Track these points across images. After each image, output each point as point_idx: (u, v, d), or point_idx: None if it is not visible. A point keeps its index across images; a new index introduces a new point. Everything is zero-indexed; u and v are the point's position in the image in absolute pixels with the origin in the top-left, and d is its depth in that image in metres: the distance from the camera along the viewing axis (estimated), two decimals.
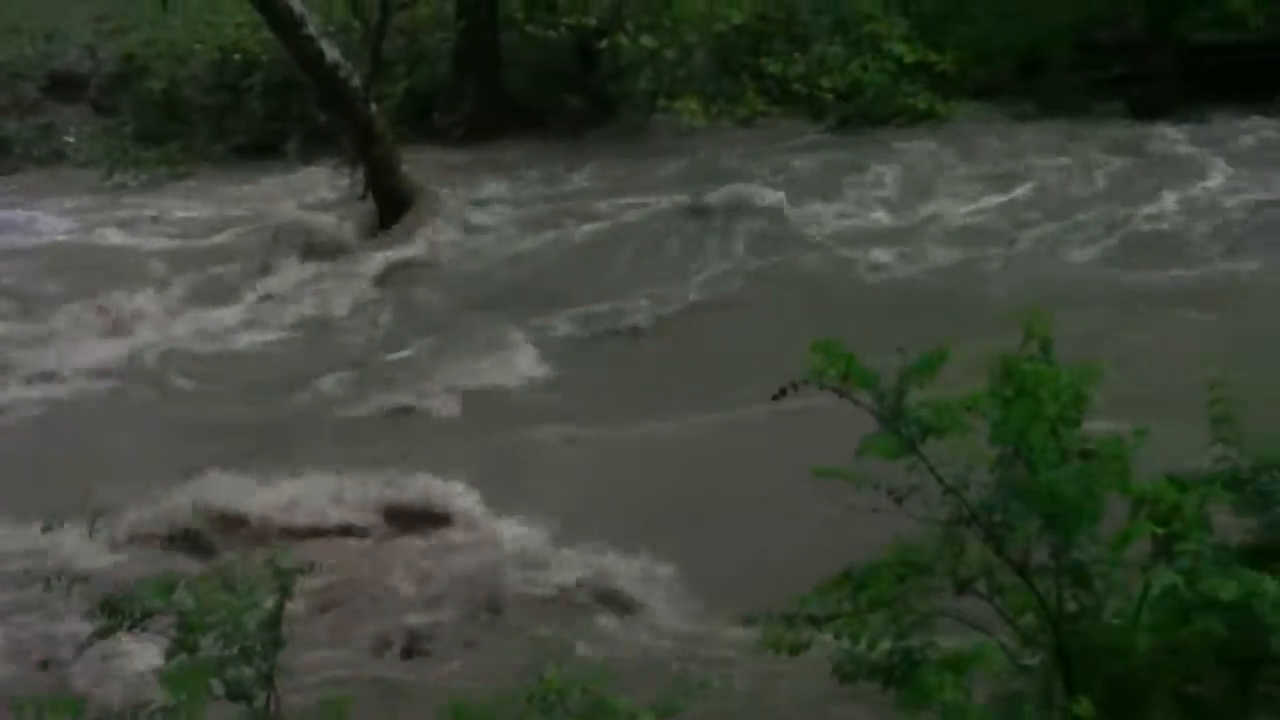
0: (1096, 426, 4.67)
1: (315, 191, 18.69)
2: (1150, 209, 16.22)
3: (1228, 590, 4.20)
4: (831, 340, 4.38)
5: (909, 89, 20.59)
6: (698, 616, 8.32)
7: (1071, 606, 4.71)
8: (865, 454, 4.42)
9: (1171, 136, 19.22)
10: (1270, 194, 16.22)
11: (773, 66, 20.28)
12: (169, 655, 4.77)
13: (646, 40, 20.19)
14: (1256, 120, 19.09)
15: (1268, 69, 18.95)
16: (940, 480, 4.48)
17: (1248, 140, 18.59)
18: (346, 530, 9.50)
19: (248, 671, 4.79)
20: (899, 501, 4.40)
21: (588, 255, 15.45)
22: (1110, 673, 4.66)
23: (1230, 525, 5.02)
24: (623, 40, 20.38)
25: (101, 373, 12.89)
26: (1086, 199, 16.87)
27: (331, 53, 16.08)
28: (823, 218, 16.49)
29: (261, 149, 21.13)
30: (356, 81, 16.25)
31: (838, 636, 4.69)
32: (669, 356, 12.81)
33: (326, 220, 17.02)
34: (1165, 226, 15.75)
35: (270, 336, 13.98)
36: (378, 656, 8.11)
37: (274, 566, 5.08)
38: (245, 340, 13.88)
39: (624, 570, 8.75)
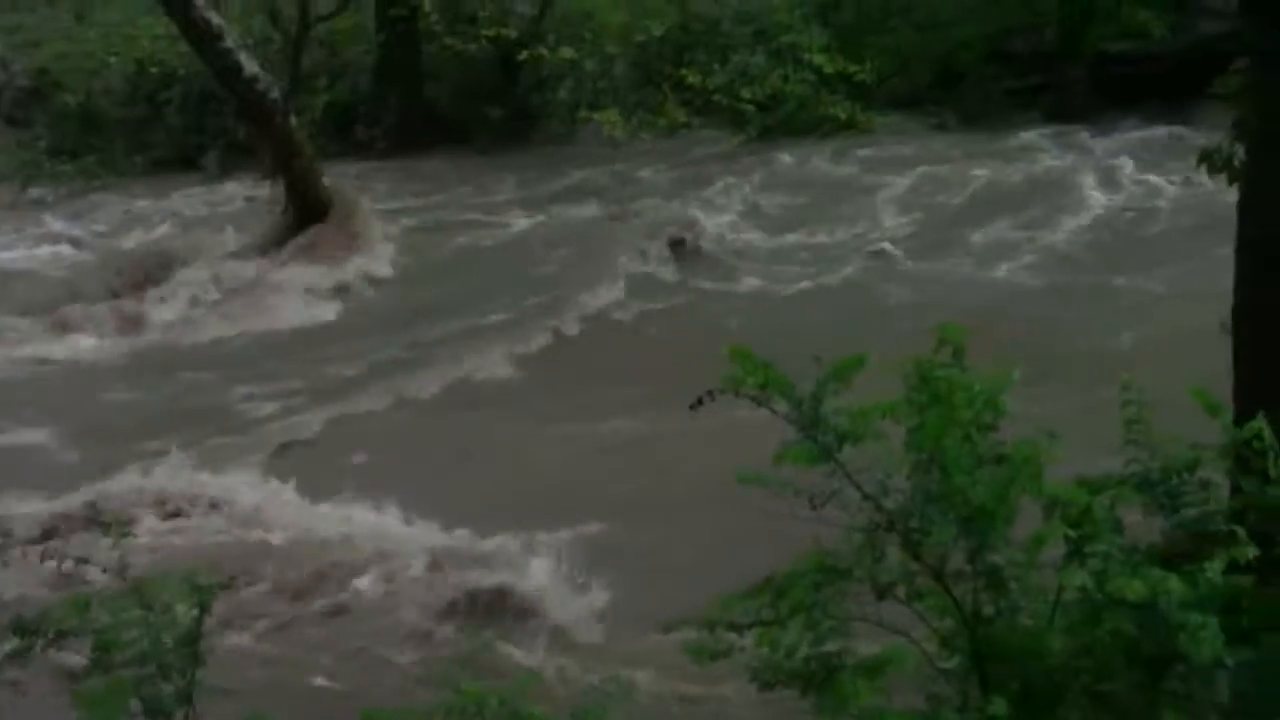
0: (1012, 431, 4.75)
1: (235, 204, 18.58)
2: (1058, 217, 16.49)
3: (1135, 590, 4.26)
4: (748, 348, 4.41)
5: (829, 100, 20.74)
6: (617, 623, 8.35)
7: (988, 610, 4.77)
8: (783, 461, 4.45)
9: (1083, 145, 19.53)
10: (1173, 203, 16.49)
11: (693, 77, 20.39)
12: (85, 675, 4.72)
13: (567, 52, 20.24)
14: (1162, 129, 19.43)
15: (1173, 78, 19.31)
16: (858, 487, 4.52)
17: (1155, 148, 18.91)
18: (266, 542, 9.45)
19: (166, 689, 4.74)
20: (815, 508, 4.43)
21: (507, 265, 15.45)
22: (1025, 673, 4.72)
23: (1143, 527, 5.11)
24: (543, 52, 20.39)
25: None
26: (995, 208, 17.08)
27: (251, 65, 15.97)
28: (740, 228, 16.61)
29: (180, 162, 20.96)
30: (276, 94, 16.15)
31: (758, 644, 4.73)
32: (588, 365, 12.84)
33: (245, 233, 16.91)
34: (1071, 234, 16.01)
35: (187, 349, 13.84)
36: (294, 667, 8.07)
37: (191, 582, 5.03)
38: (161, 352, 13.72)
39: (543, 576, 8.78)
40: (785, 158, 19.51)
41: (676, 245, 15.62)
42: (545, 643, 8.28)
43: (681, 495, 9.64)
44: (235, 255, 16.27)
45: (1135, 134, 19.71)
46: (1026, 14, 22.98)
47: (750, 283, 14.98)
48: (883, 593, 4.74)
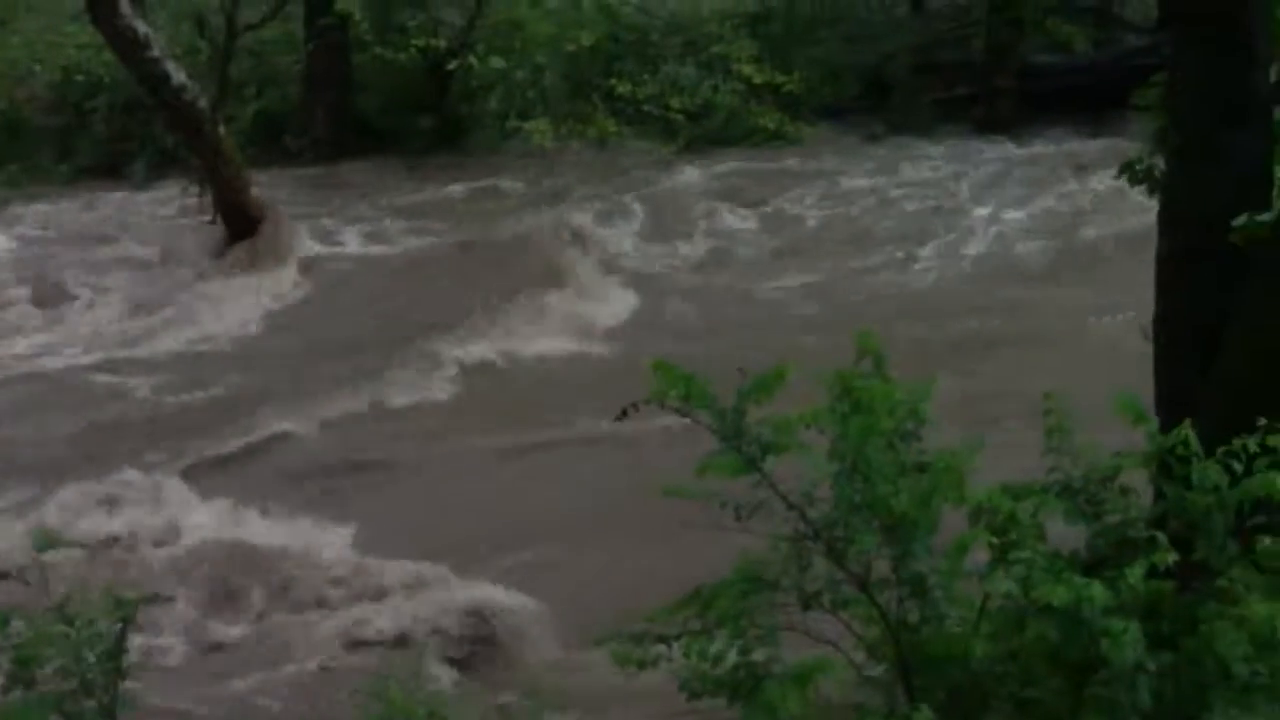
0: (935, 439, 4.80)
1: (163, 213, 18.38)
2: (979, 228, 16.68)
3: (1059, 596, 4.31)
4: (671, 361, 4.43)
5: (758, 110, 20.83)
6: (545, 637, 8.34)
7: (913, 617, 4.81)
8: (706, 473, 4.48)
9: (1010, 155, 19.74)
10: (1097, 213, 16.69)
11: (622, 87, 20.42)
12: (4, 690, 4.67)
13: (496, 62, 20.20)
14: (1089, 140, 19.68)
15: (1098, 90, 19.58)
16: (783, 497, 4.55)
17: (1081, 158, 19.14)
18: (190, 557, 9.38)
19: (89, 704, 4.71)
20: (739, 518, 4.46)
21: (435, 276, 15.38)
22: (951, 680, 4.76)
23: (1068, 534, 5.17)
24: (473, 62, 20.36)
25: None
26: (913, 218, 17.24)
27: (178, 74, 15.84)
28: (667, 239, 16.68)
29: (108, 170, 20.73)
30: (204, 103, 16.03)
31: (686, 655, 4.74)
32: (514, 379, 12.78)
33: (172, 243, 16.77)
34: (993, 244, 16.18)
35: (108, 363, 13.66)
36: (218, 682, 8.02)
37: (115, 597, 4.99)
38: (81, 370, 13.53)
39: (473, 592, 8.75)
40: (714, 166, 19.59)
41: (584, 252, 15.68)
42: (475, 657, 8.26)
43: (611, 509, 9.63)
44: (160, 265, 16.11)
45: (1062, 145, 19.95)
46: (955, 25, 23.24)
47: (667, 296, 15.02)
48: (808, 602, 4.78)
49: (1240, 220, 5.54)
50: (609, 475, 10.17)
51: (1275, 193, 5.94)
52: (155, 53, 15.65)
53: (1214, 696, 4.27)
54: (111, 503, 9.96)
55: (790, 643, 4.82)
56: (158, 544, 9.50)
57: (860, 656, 4.94)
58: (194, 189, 17.31)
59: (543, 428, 11.36)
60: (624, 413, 4.52)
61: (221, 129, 16.29)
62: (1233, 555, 4.64)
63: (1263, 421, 4.67)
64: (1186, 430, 4.76)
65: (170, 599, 8.26)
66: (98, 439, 11.56)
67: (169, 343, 14.10)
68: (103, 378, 13.18)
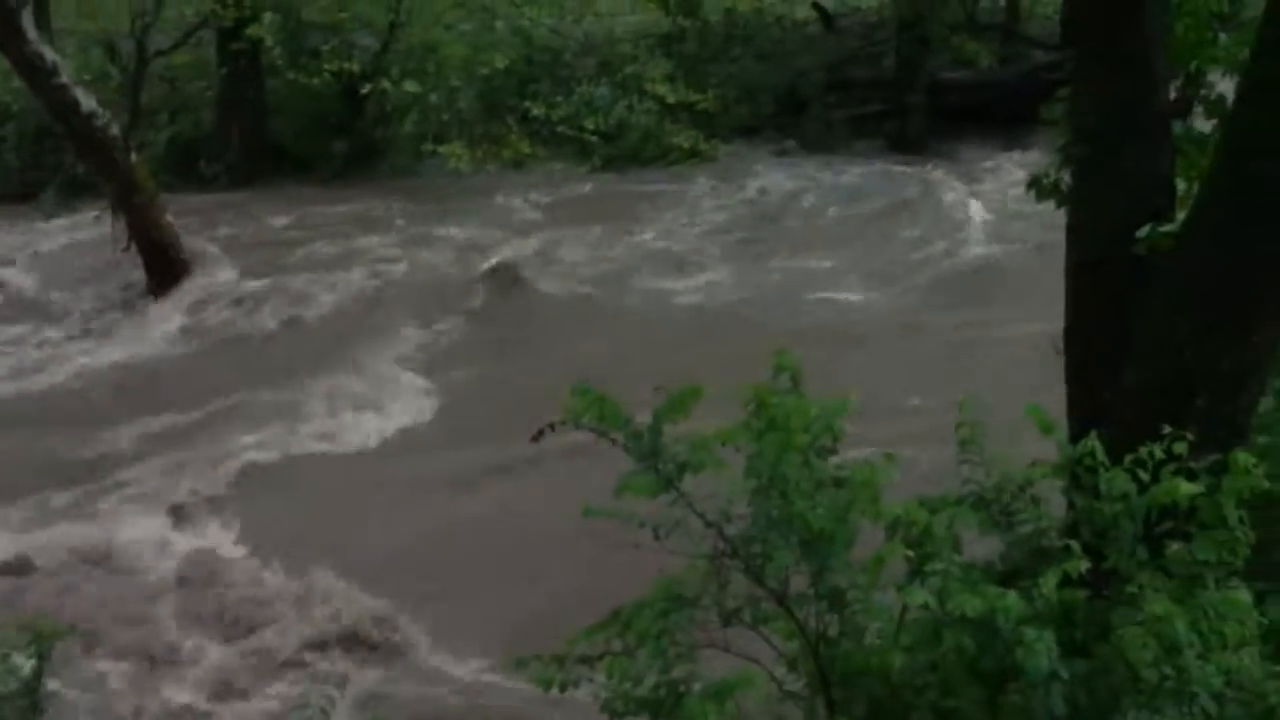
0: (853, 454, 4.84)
1: (74, 242, 18.13)
2: (892, 242, 16.86)
3: (973, 607, 4.36)
4: (587, 383, 4.45)
5: (672, 129, 20.92)
6: (467, 657, 8.35)
7: (832, 631, 4.85)
8: (624, 493, 4.49)
9: (920, 171, 19.94)
10: (1006, 226, 16.90)
11: (537, 109, 20.43)
12: None
13: (411, 85, 20.15)
14: (999, 154, 19.95)
15: (1007, 105, 19.88)
16: (700, 516, 4.57)
17: (991, 172, 19.40)
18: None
19: None
20: (657, 537, 4.48)
21: (352, 300, 15.31)
22: (871, 692, 4.80)
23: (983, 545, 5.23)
24: (387, 86, 20.30)
25: None
26: (825, 233, 17.41)
27: (88, 101, 15.65)
28: (577, 259, 16.71)
29: (18, 198, 20.41)
30: (115, 130, 15.84)
31: (608, 675, 4.75)
32: (426, 405, 12.75)
33: (85, 272, 16.57)
34: (906, 259, 16.34)
35: (24, 396, 13.49)
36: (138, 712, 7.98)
37: (32, 630, 4.93)
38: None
39: (394, 614, 8.77)
40: (627, 186, 19.67)
41: (497, 274, 15.71)
42: (400, 678, 8.26)
43: (532, 531, 9.64)
44: (71, 295, 15.91)
45: (972, 159, 20.19)
46: (865, 43, 23.48)
47: (572, 310, 15.07)
48: (729, 619, 4.80)
49: (1144, 231, 5.65)
50: (531, 497, 10.18)
51: (1178, 204, 6.06)
52: (64, 80, 15.46)
53: (1126, 701, 4.33)
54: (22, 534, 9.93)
55: (713, 660, 4.85)
56: (81, 574, 9.45)
57: (781, 671, 4.98)
58: (106, 217, 17.11)
59: (469, 444, 11.37)
60: (540, 433, 4.53)
61: (134, 156, 16.10)
62: (1142, 561, 4.71)
63: (1168, 429, 4.75)
64: (1093, 440, 4.83)
65: (91, 629, 8.23)
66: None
67: (74, 374, 13.92)
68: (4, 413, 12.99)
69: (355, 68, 20.20)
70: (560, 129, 20.41)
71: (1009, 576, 5.10)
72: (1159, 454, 4.68)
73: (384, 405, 12.49)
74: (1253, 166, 5.06)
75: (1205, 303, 5.19)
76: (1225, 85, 6.10)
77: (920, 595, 4.55)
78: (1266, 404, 5.83)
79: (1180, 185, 6.25)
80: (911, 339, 13.62)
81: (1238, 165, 5.15)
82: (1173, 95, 6.45)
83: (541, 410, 4.53)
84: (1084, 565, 4.63)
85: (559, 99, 20.81)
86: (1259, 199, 5.03)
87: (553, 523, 9.00)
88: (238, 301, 15.61)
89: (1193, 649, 4.24)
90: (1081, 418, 5.81)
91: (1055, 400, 5.96)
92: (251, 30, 18.92)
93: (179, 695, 8.18)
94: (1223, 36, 6.78)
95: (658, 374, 4.75)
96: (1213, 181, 5.30)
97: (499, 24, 21.71)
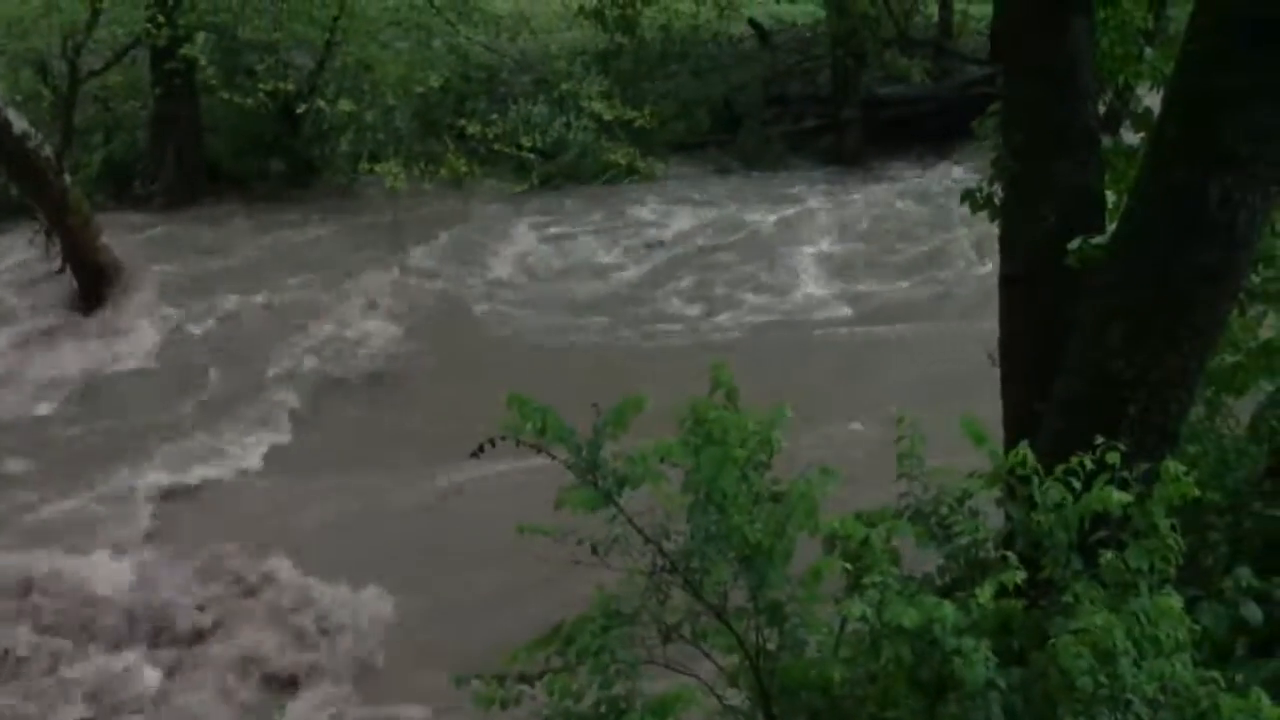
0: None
1: (7, 264, 17.94)
2: (822, 259, 16.98)
3: (910, 618, 4.39)
4: (525, 396, 4.45)
5: (609, 146, 20.95)
6: (408, 675, 8.34)
7: (772, 645, 4.87)
8: (563, 507, 4.49)
9: (854, 185, 20.10)
10: (939, 240, 17.06)
11: (473, 127, 20.39)
12: None
13: (346, 104, 20.07)
14: (934, 169, 20.13)
15: (939, 120, 20.07)
16: (639, 531, 4.58)
17: (926, 187, 19.57)
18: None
19: None
20: (596, 553, 4.48)
21: (288, 322, 15.25)
22: (811, 705, 4.82)
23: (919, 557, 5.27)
24: (322, 105, 20.22)
25: None
26: (754, 251, 17.54)
27: (20, 122, 15.48)
28: (505, 278, 16.78)
29: None
30: (48, 151, 15.68)
31: (549, 692, 4.75)
32: (368, 422, 12.74)
33: (20, 295, 16.41)
34: (842, 273, 16.47)
35: None
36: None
37: None
38: None
39: (343, 627, 8.78)
40: (560, 205, 19.74)
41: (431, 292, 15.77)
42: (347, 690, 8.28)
43: (472, 547, 9.64)
44: (8, 318, 15.76)
45: (907, 174, 20.37)
46: (801, 58, 23.61)
47: (510, 329, 15.09)
48: (668, 634, 4.81)
49: (1075, 244, 5.72)
50: (472, 513, 10.19)
51: (1108, 216, 6.14)
52: None
53: (1062, 709, 4.37)
54: None
55: (656, 677, 4.85)
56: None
57: (723, 686, 4.99)
58: (40, 239, 16.96)
59: (407, 464, 11.37)
60: (480, 448, 4.53)
61: (67, 177, 15.96)
62: (1077, 570, 4.76)
63: (1100, 439, 4.80)
64: (1024, 451, 4.89)
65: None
66: None
67: (16, 396, 13.80)
68: None
69: (290, 87, 20.09)
70: (497, 147, 20.37)
71: (948, 588, 5.15)
72: (1090, 464, 4.73)
73: (308, 425, 12.46)
74: (1177, 177, 5.13)
75: (1134, 313, 5.25)
76: (1153, 99, 6.18)
77: (858, 609, 4.57)
78: (1197, 413, 5.91)
79: (1110, 198, 6.34)
80: (844, 354, 13.73)
81: (1163, 177, 5.22)
82: (1101, 109, 6.54)
83: (474, 426, 4.53)
84: (1020, 576, 4.68)
85: (495, 117, 20.75)
86: (1185, 209, 5.10)
87: (491, 538, 9.02)
88: (171, 322, 15.50)
89: (1127, 656, 4.28)
90: (1017, 429, 5.88)
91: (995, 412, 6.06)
92: (185, 50, 18.79)
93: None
94: (1149, 51, 6.89)
95: (593, 395, 4.74)
96: (1140, 193, 5.37)
97: (435, 42, 21.63)
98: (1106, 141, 6.47)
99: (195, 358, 14.52)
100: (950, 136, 19.12)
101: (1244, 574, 5.22)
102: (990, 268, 6.67)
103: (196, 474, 11.55)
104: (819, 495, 4.74)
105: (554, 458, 4.49)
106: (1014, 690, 4.49)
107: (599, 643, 4.57)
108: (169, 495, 11.18)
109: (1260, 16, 4.90)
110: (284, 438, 12.26)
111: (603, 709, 4.61)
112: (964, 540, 5.08)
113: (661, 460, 4.58)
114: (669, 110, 22.09)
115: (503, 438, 4.53)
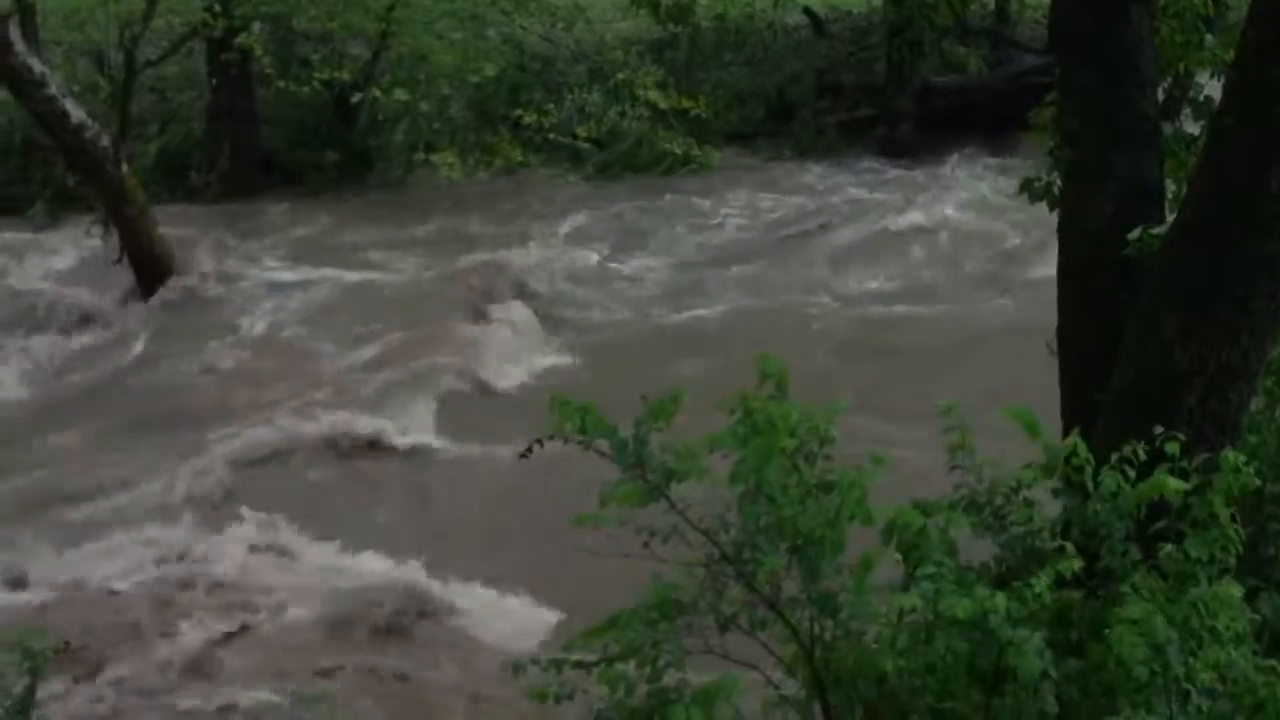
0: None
1: (65, 255, 18.07)
2: (883, 248, 16.90)
3: (964, 609, 4.37)
4: (567, 395, 4.45)
5: (665, 135, 20.92)
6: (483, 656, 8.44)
7: (828, 635, 4.85)
8: (609, 503, 4.49)
9: (911, 175, 19.97)
10: (1002, 229, 16.93)
11: (528, 117, 20.39)
12: None
13: (401, 94, 20.10)
14: (990, 158, 19.99)
15: (996, 109, 19.90)
16: (690, 523, 4.58)
17: (983, 176, 19.45)
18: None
19: None
20: (646, 545, 4.48)
21: (347, 313, 15.29)
22: (867, 695, 4.81)
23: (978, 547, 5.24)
24: (377, 95, 20.28)
25: None
26: (813, 238, 17.46)
27: (77, 113, 15.60)
28: (571, 269, 16.74)
29: (6, 212, 20.34)
30: (105, 141, 15.78)
31: (600, 682, 4.76)
32: (430, 404, 12.79)
33: (80, 287, 16.54)
34: (899, 264, 16.38)
35: (30, 409, 13.45)
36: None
37: (23, 648, 4.91)
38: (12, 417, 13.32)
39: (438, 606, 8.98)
40: (618, 194, 19.71)
41: (492, 279, 15.78)
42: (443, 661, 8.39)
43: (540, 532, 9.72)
44: (72, 311, 15.89)
45: (963, 163, 20.22)
46: (856, 48, 23.50)
47: (590, 321, 15.09)
48: (726, 625, 4.80)
49: (1135, 234, 5.67)
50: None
51: (1167, 205, 6.08)
52: (52, 90, 15.40)
53: (1121, 700, 4.35)
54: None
55: (713, 667, 4.85)
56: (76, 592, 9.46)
57: (780, 675, 4.98)
58: (97, 230, 17.09)
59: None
60: (529, 449, 4.54)
61: (124, 168, 16.07)
62: (1135, 561, 4.72)
63: (1159, 429, 4.76)
64: (1076, 439, 4.85)
65: (85, 644, 8.23)
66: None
67: (79, 387, 13.92)
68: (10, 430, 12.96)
69: (346, 76, 20.18)
70: (552, 136, 20.39)
71: (1004, 578, 5.11)
72: (1142, 453, 4.70)
73: (383, 408, 12.52)
74: (1236, 167, 5.08)
75: (1193, 302, 5.20)
76: (1213, 87, 6.10)
77: (910, 600, 4.56)
78: (1257, 403, 5.85)
79: (1170, 186, 6.28)
80: (906, 342, 13.67)
81: (1222, 166, 5.16)
82: (1161, 97, 6.48)
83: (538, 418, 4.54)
84: (1077, 565, 4.65)
85: (550, 106, 20.78)
86: (1243, 199, 5.04)
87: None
88: (230, 309, 15.60)
89: (1173, 645, 4.25)
90: (1075, 418, 5.83)
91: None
92: (241, 40, 18.89)
93: (182, 701, 8.19)
94: (1209, 38, 6.80)
95: (652, 384, 4.74)
96: (1199, 182, 5.31)
97: (490, 32, 21.66)
98: (1166, 130, 6.40)
99: (258, 349, 14.57)
100: (1005, 126, 18.93)
101: None
102: (1049, 259, 6.60)
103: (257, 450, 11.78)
104: (869, 484, 4.71)
105: (600, 453, 4.49)
106: (1070, 681, 4.46)
107: (650, 634, 4.57)
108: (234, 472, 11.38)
109: None
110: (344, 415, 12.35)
111: (651, 700, 4.60)
112: (1019, 530, 5.06)
113: (711, 452, 4.57)
114: (723, 100, 22.05)
115: (550, 437, 4.55)
